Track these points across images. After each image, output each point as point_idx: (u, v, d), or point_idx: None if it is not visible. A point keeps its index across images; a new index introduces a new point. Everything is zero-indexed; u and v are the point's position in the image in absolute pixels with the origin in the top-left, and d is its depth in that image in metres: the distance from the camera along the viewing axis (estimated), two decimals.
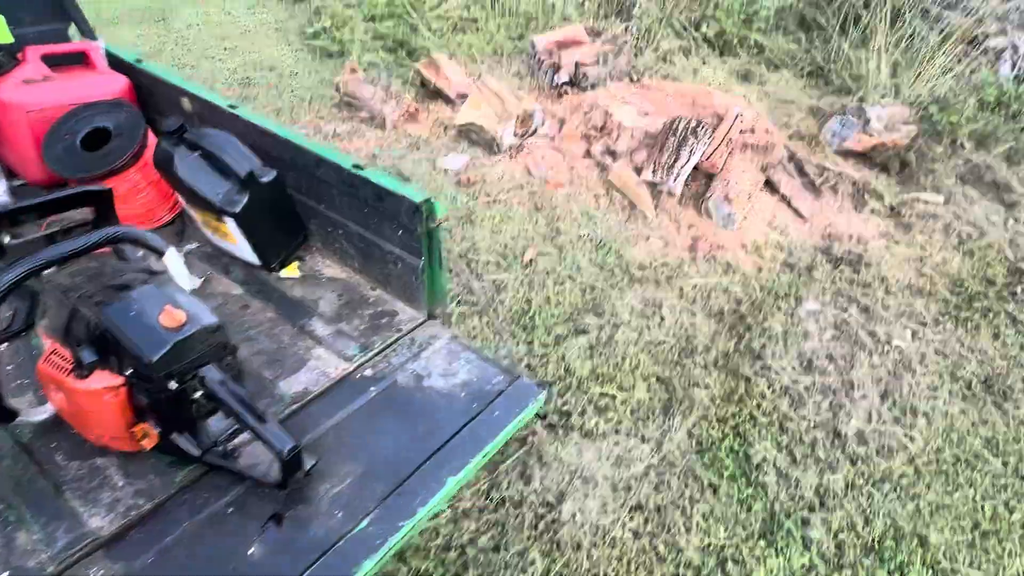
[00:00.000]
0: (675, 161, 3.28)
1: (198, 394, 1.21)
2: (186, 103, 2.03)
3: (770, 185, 3.51)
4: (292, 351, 1.61)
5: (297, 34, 5.42)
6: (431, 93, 4.44)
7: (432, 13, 5.61)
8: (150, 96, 2.20)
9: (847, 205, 3.57)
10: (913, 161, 3.90)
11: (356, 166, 1.61)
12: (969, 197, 3.67)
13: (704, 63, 5.04)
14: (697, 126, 3.31)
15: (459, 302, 2.78)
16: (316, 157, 1.70)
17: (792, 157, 3.56)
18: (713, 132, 3.42)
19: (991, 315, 2.93)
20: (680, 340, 2.67)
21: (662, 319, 2.75)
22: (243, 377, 1.36)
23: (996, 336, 2.83)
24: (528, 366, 2.51)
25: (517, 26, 5.55)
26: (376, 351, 1.60)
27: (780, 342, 2.68)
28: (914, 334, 2.80)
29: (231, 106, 1.88)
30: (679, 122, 3.34)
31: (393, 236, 1.64)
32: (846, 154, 4.02)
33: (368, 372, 1.55)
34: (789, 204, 3.45)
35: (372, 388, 1.50)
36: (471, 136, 3.88)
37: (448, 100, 4.31)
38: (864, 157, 4.02)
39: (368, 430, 1.40)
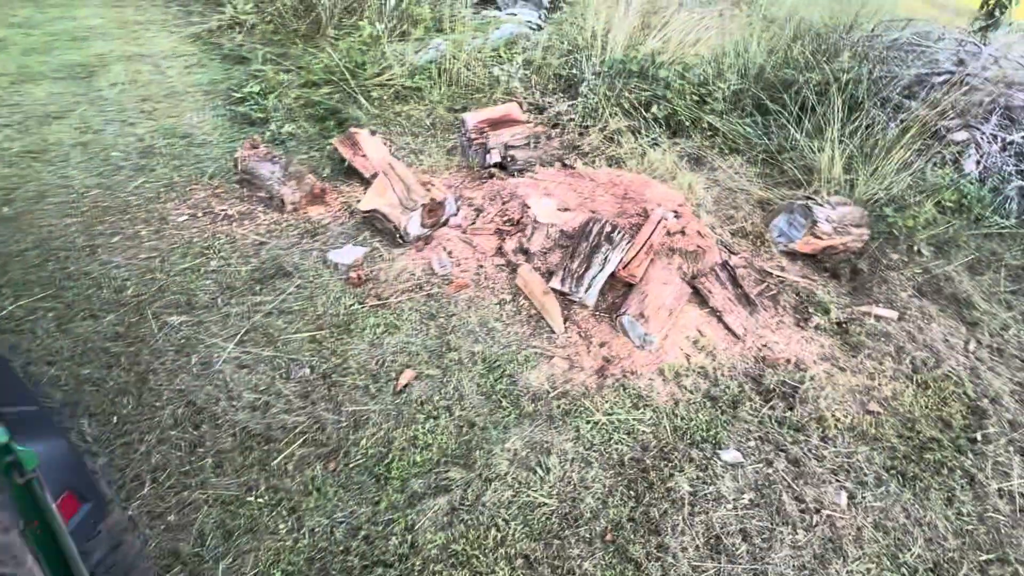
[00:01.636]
0: (586, 270, 2.87)
1: None
2: None
3: (700, 295, 3.10)
4: None
5: (225, 98, 5.09)
6: (348, 171, 4.07)
7: (373, 81, 5.33)
8: None
9: (788, 320, 3.15)
10: (865, 268, 3.52)
11: None
12: (926, 314, 3.27)
13: (655, 144, 4.72)
14: (613, 231, 2.92)
15: (304, 442, 2.30)
16: None
17: (725, 265, 3.16)
18: (634, 237, 3.02)
19: (945, 472, 2.47)
20: (565, 502, 2.19)
21: (547, 471, 2.28)
22: None
23: (949, 502, 2.36)
24: (365, 537, 2.02)
25: (460, 97, 5.26)
26: None
27: (686, 508, 2.20)
28: (851, 497, 2.32)
29: None
30: (593, 225, 2.95)
31: None
32: (793, 255, 3.63)
33: None
34: (720, 319, 3.02)
35: None
36: (375, 224, 3.48)
37: (364, 180, 3.94)
38: (813, 259, 3.63)
39: None
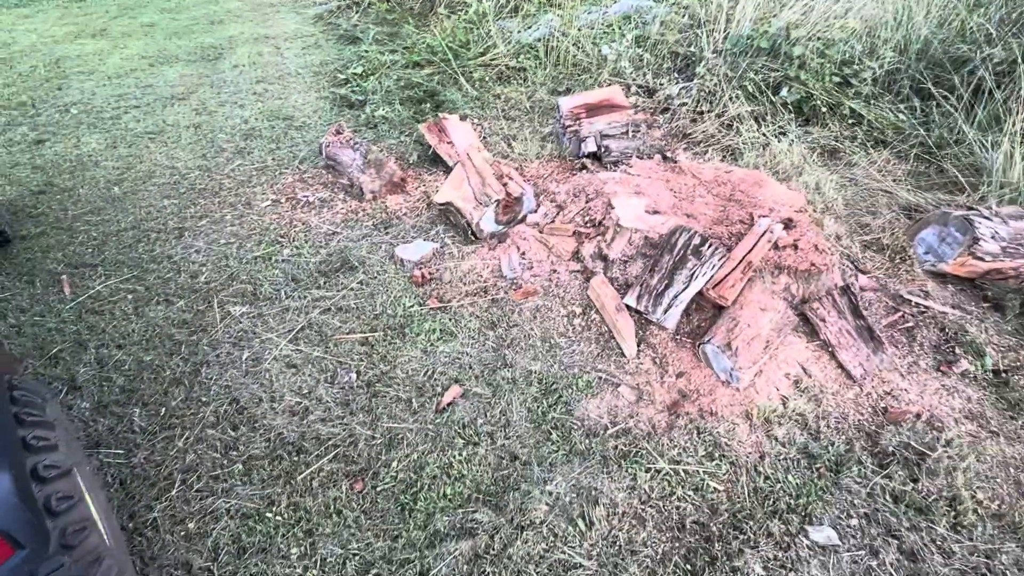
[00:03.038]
0: (666, 287, 2.47)
1: None
2: None
3: (810, 325, 2.58)
4: None
5: (330, 80, 5.13)
6: (434, 158, 3.91)
7: (476, 61, 5.12)
8: None
9: (925, 362, 2.54)
10: None
11: None
12: None
13: (782, 134, 4.10)
14: (703, 243, 2.48)
15: (335, 457, 2.17)
16: None
17: (847, 289, 2.60)
18: (730, 251, 2.56)
19: None
20: (605, 566, 1.88)
21: (590, 525, 1.97)
22: None
23: None
24: None
25: (565, 78, 4.90)
26: None
27: None
28: None
29: None
30: (679, 235, 2.53)
31: None
32: (942, 278, 2.95)
33: None
34: (833, 356, 2.50)
35: None
36: (449, 218, 3.28)
37: (448, 169, 3.75)
38: (969, 285, 2.93)
39: None
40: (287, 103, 4.75)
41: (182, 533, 1.96)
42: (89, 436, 2.24)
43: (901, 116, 4.03)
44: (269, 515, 2.00)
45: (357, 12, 6.59)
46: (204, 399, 2.38)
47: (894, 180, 3.66)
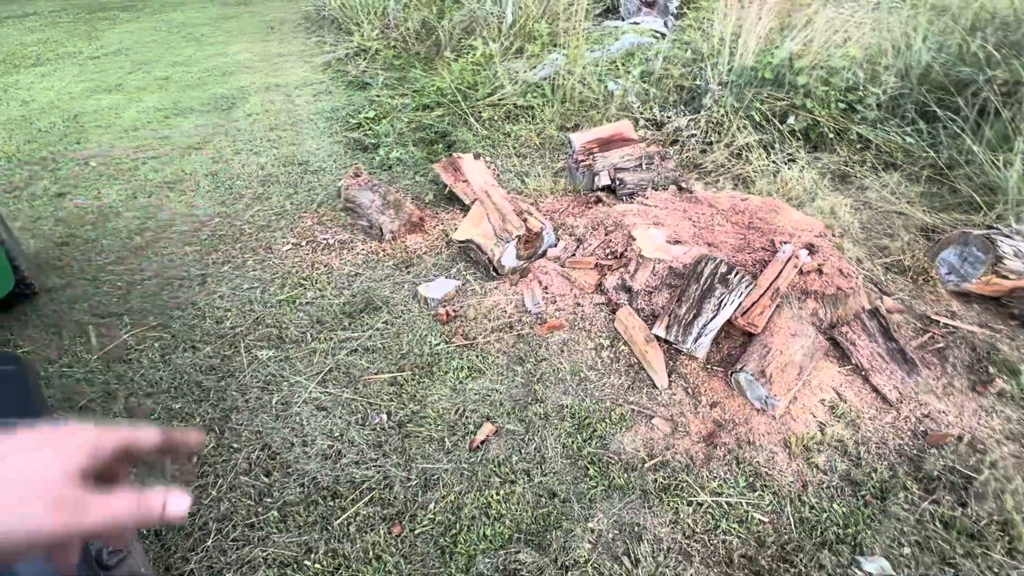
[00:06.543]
0: (695, 317, 2.47)
1: None
2: None
3: (841, 349, 2.57)
4: None
5: (343, 124, 5.24)
6: (450, 197, 3.95)
7: (485, 101, 5.23)
8: None
9: (960, 383, 2.52)
10: None
11: None
12: None
13: (791, 161, 4.15)
14: (729, 271, 2.49)
15: (371, 500, 2.14)
16: None
17: (875, 312, 2.59)
18: (756, 278, 2.57)
19: None
20: None
21: (636, 563, 1.92)
22: None
23: None
24: None
25: (573, 115, 4.99)
26: None
27: None
28: None
29: None
30: (706, 264, 2.54)
31: None
32: (967, 297, 2.95)
33: None
34: (866, 380, 2.48)
35: None
36: (470, 255, 3.31)
37: (465, 207, 3.79)
38: (995, 304, 2.92)
39: None
40: (302, 148, 4.84)
41: None
42: None
43: (909, 139, 4.09)
44: (308, 562, 1.96)
45: (364, 59, 6.76)
46: (235, 445, 2.36)
47: (908, 202, 3.69)
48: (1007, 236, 2.87)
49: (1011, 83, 3.85)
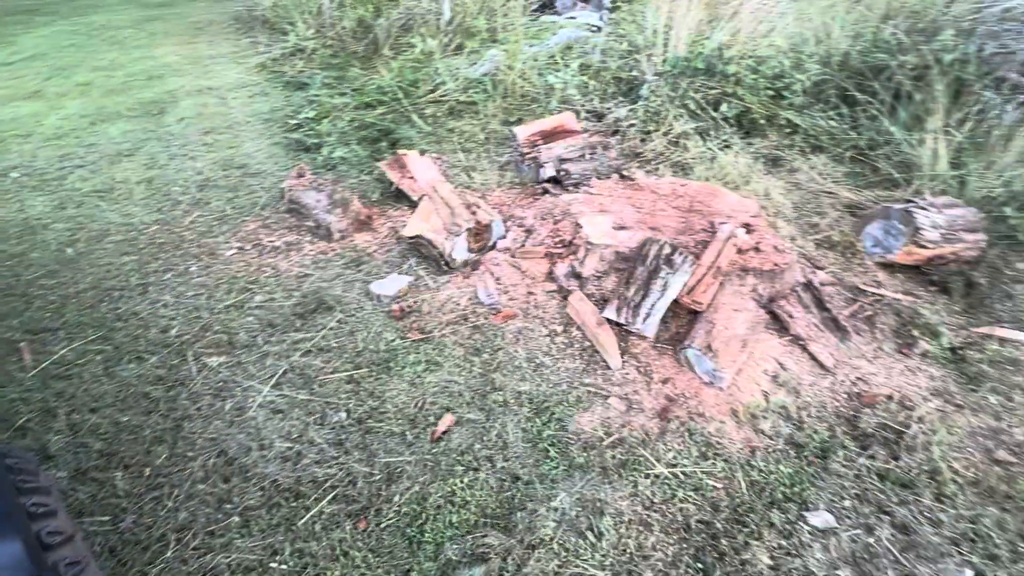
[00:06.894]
0: (643, 298, 2.56)
1: None
2: None
3: (779, 321, 2.71)
4: None
5: (281, 126, 5.13)
6: (397, 194, 3.94)
7: (426, 99, 5.22)
8: None
9: (888, 347, 2.70)
10: (984, 281, 2.99)
11: None
12: None
13: (726, 147, 4.32)
14: (673, 252, 2.59)
15: (335, 498, 2.13)
16: None
17: (809, 285, 2.75)
18: (699, 258, 2.68)
19: None
20: (620, 575, 1.90)
21: (599, 536, 1.99)
22: None
23: None
24: None
25: (515, 109, 5.04)
26: None
27: None
28: None
29: None
30: (650, 246, 2.63)
31: None
32: (891, 268, 3.15)
33: None
34: (804, 348, 2.63)
35: None
36: (420, 251, 3.31)
37: (413, 203, 3.79)
38: (916, 272, 3.14)
39: None
40: (240, 151, 4.72)
41: None
42: (70, 506, 2.13)
43: (832, 123, 4.32)
44: (273, 565, 1.94)
45: (301, 59, 6.62)
46: (190, 454, 2.30)
47: (834, 182, 3.90)
48: (923, 209, 3.08)
49: (920, 67, 4.12)
